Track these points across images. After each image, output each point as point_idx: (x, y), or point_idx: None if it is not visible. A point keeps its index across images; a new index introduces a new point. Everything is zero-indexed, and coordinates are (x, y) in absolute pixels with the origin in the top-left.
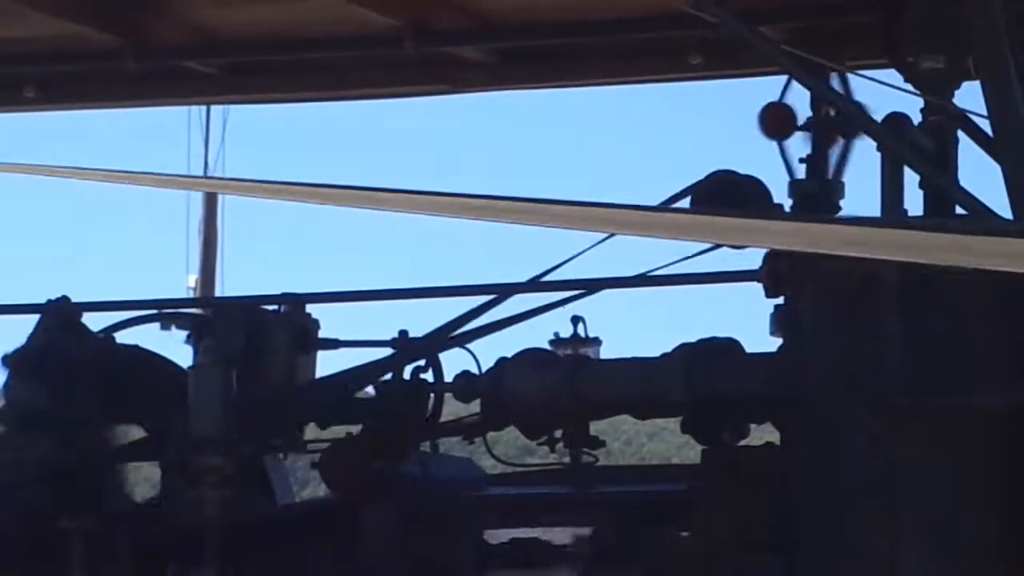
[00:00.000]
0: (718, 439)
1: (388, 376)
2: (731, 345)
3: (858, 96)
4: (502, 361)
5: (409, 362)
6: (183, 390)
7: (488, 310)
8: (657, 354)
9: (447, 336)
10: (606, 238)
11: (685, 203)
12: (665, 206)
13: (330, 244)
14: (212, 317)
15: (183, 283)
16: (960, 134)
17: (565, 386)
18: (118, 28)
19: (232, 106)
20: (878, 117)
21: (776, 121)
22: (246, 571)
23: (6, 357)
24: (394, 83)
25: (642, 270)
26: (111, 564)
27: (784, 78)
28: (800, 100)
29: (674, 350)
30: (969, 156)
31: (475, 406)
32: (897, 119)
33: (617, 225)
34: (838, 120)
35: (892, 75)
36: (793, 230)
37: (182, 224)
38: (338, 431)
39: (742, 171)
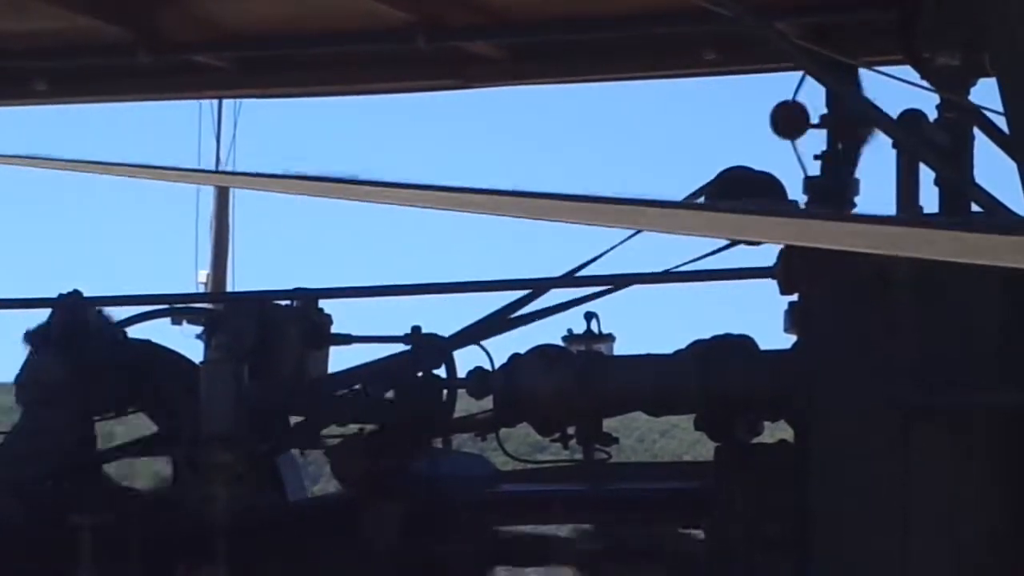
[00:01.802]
0: (732, 436)
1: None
2: (745, 342)
3: (874, 93)
4: (515, 357)
5: (429, 359)
6: (195, 385)
7: (511, 312)
8: (671, 351)
9: (467, 335)
10: (633, 235)
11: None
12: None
13: (342, 239)
14: (224, 312)
15: (194, 278)
16: (976, 130)
17: (578, 383)
18: (130, 21)
19: (244, 100)
20: (894, 114)
21: (788, 120)
22: (257, 567)
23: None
24: (406, 78)
25: (657, 267)
26: (121, 560)
27: (798, 75)
28: (815, 97)
29: (688, 347)
30: (985, 153)
31: (488, 402)
32: (913, 116)
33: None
34: (853, 117)
35: (908, 72)
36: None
37: (193, 219)
38: (350, 426)
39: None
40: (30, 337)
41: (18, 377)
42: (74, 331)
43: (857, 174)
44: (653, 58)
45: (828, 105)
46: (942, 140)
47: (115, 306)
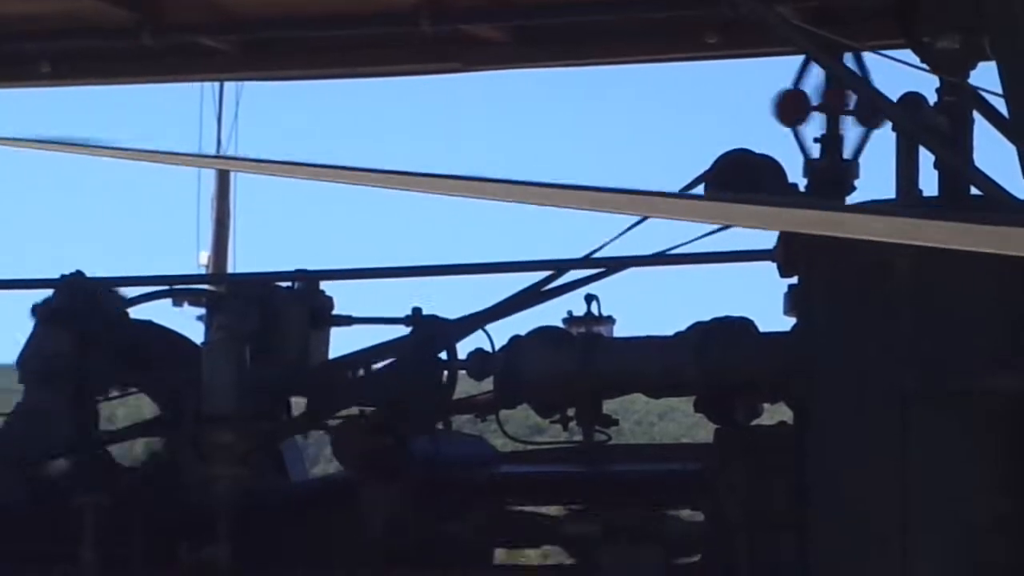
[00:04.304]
0: (731, 418)
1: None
2: (745, 325)
3: (874, 76)
4: (515, 339)
5: (431, 343)
6: (197, 366)
7: (516, 295)
8: (671, 333)
9: (471, 321)
10: (638, 223)
11: (700, 188)
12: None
13: (344, 221)
14: (226, 294)
15: (195, 260)
16: (975, 114)
17: (578, 365)
18: (133, 3)
19: (246, 83)
20: (893, 97)
21: (791, 108)
22: (259, 547)
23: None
24: (409, 61)
25: (656, 249)
26: (123, 540)
27: (799, 59)
28: (816, 80)
29: (688, 329)
30: (984, 136)
31: (488, 384)
32: (912, 99)
33: (646, 208)
34: (854, 100)
35: (908, 55)
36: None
37: (194, 201)
38: (351, 408)
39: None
40: (36, 311)
41: (22, 353)
42: (77, 311)
43: (858, 158)
44: (656, 41)
45: (829, 89)
46: (942, 124)
47: (117, 287)
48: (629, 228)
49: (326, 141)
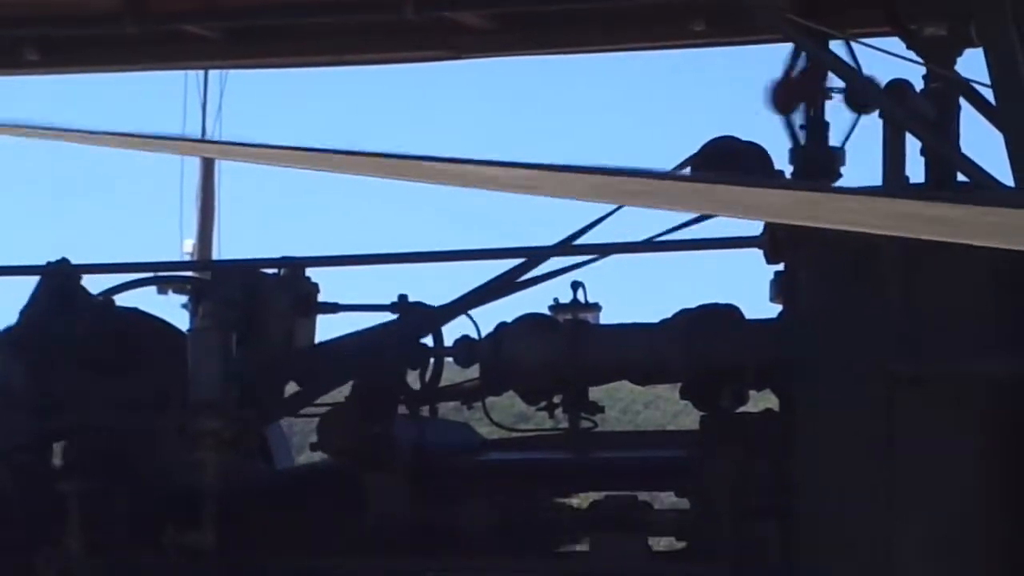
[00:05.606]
0: (717, 405)
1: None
2: (731, 311)
3: (860, 63)
4: (502, 326)
5: (417, 330)
6: (182, 354)
7: (502, 281)
8: (657, 320)
9: (456, 306)
10: (616, 208)
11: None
12: (672, 172)
13: (330, 207)
14: (211, 281)
15: (179, 248)
16: (962, 101)
17: (565, 352)
18: None
19: (230, 71)
20: (880, 84)
21: (786, 97)
22: (245, 534)
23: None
24: (394, 48)
25: (643, 236)
26: (109, 526)
27: (787, 47)
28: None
29: (674, 316)
30: (971, 123)
31: (474, 371)
32: (899, 86)
33: (620, 194)
34: (840, 88)
35: (894, 43)
36: (794, 201)
37: (178, 188)
38: (336, 395)
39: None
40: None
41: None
42: (62, 298)
43: (844, 144)
44: (642, 28)
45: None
46: (928, 111)
47: (102, 274)
48: (616, 209)
49: (311, 128)
